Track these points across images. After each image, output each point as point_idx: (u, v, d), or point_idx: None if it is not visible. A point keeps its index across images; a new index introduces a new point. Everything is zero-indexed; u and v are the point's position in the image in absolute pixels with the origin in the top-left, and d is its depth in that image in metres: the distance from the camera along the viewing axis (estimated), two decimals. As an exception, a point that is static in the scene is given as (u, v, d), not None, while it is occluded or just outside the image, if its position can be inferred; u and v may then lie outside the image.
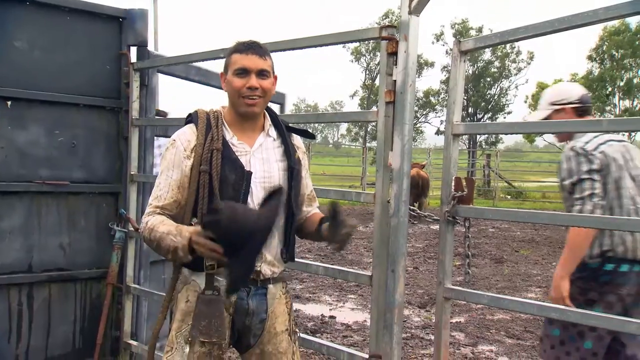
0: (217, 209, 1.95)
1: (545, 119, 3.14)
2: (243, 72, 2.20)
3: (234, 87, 2.21)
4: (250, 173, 2.22)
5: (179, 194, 2.22)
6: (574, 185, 2.89)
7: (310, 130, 2.66)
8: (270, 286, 2.31)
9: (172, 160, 2.24)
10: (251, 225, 1.97)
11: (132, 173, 4.11)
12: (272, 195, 2.12)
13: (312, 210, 2.49)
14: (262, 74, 2.22)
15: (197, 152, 2.21)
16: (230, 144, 2.24)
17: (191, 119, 2.30)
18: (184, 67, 4.37)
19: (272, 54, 2.33)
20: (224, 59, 2.32)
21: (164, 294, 2.46)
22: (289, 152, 2.33)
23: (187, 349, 2.19)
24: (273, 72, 2.28)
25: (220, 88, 2.35)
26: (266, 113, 2.36)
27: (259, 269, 2.24)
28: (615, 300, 2.86)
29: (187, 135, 2.25)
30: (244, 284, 2.18)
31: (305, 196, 2.46)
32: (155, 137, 4.35)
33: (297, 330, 2.44)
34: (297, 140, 2.44)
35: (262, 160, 2.27)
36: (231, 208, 1.96)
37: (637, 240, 2.87)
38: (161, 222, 2.15)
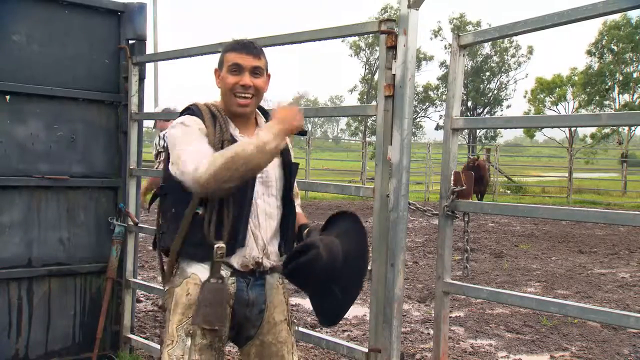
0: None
1: None
2: (237, 69, 2.22)
3: (227, 83, 2.23)
4: None
5: None
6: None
7: (310, 125, 2.66)
8: (268, 277, 2.32)
9: (196, 132, 2.14)
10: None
11: (131, 167, 4.11)
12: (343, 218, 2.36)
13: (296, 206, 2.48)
14: (255, 71, 2.23)
15: (209, 140, 2.16)
16: (234, 137, 2.23)
17: (192, 111, 2.24)
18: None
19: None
20: (219, 55, 2.33)
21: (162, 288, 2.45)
22: (285, 148, 2.32)
23: (188, 342, 2.19)
24: (266, 71, 2.30)
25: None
26: (256, 109, 2.36)
27: (260, 260, 2.25)
28: None
29: (198, 123, 2.18)
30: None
31: (295, 190, 2.47)
32: None
33: (294, 320, 2.46)
34: None
35: None
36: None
37: None
38: (220, 153, 2.04)
